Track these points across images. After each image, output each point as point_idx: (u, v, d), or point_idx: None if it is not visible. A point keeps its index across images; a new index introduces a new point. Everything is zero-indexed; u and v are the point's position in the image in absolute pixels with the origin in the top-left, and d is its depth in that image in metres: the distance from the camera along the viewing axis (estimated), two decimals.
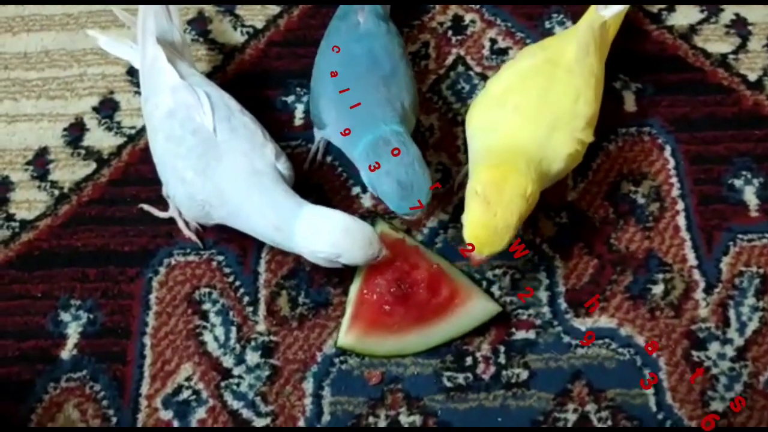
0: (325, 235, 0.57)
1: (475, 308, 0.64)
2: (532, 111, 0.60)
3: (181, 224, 0.69)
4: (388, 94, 0.62)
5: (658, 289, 0.67)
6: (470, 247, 0.57)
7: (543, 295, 0.67)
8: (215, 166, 0.60)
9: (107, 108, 0.76)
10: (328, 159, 0.73)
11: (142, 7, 0.67)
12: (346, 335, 0.64)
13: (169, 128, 0.61)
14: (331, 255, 0.58)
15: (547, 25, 0.78)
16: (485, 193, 0.56)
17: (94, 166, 0.74)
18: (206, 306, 0.67)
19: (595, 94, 0.62)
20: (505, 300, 0.66)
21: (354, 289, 0.65)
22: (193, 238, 0.68)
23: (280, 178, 0.61)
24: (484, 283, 0.67)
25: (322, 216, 0.58)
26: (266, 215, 0.59)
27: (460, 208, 0.70)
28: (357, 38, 0.64)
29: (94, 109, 0.76)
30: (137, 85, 0.76)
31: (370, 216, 0.70)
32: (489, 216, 0.56)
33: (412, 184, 0.58)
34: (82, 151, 0.74)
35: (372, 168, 0.59)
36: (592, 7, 0.68)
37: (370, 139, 0.59)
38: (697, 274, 0.67)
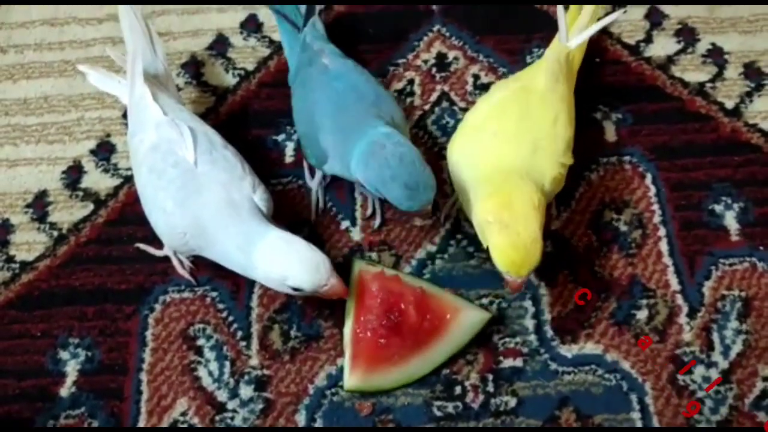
0: (279, 256, 0.59)
1: (467, 319, 0.66)
2: (512, 135, 0.62)
3: (175, 262, 0.71)
4: (379, 112, 0.64)
5: (642, 315, 0.68)
6: (509, 277, 0.58)
7: (529, 323, 0.68)
8: (195, 197, 0.62)
9: (104, 150, 0.79)
10: (318, 194, 0.75)
11: (130, 47, 0.69)
12: (351, 377, 0.65)
13: (152, 161, 0.63)
14: (279, 276, 0.59)
15: (528, 60, 0.81)
16: (499, 218, 0.56)
17: (91, 207, 0.76)
18: (201, 341, 0.69)
19: (569, 119, 0.64)
20: (493, 329, 0.68)
21: (347, 331, 0.66)
22: (187, 275, 0.70)
23: (257, 210, 0.63)
24: None
25: (283, 240, 0.60)
26: (236, 241, 0.61)
27: (447, 239, 0.72)
28: (334, 77, 0.67)
29: (92, 151, 0.79)
30: None
31: (358, 250, 0.72)
32: (513, 237, 0.56)
33: (418, 183, 0.59)
34: (80, 193, 0.77)
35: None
36: (556, 40, 0.70)
37: (363, 147, 0.60)
38: (680, 299, 0.68)
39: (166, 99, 0.67)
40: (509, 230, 0.56)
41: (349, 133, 0.62)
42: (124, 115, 0.80)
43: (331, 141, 0.64)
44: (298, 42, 0.72)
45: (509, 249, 0.56)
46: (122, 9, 0.72)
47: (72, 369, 0.68)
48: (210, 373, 0.67)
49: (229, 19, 0.86)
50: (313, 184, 0.74)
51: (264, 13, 0.86)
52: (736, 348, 0.66)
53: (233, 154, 0.65)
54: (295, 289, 0.60)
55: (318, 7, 0.75)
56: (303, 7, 0.73)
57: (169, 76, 0.72)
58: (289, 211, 0.74)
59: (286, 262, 0.59)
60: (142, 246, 0.72)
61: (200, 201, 0.61)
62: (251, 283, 0.70)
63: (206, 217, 0.61)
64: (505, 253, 0.57)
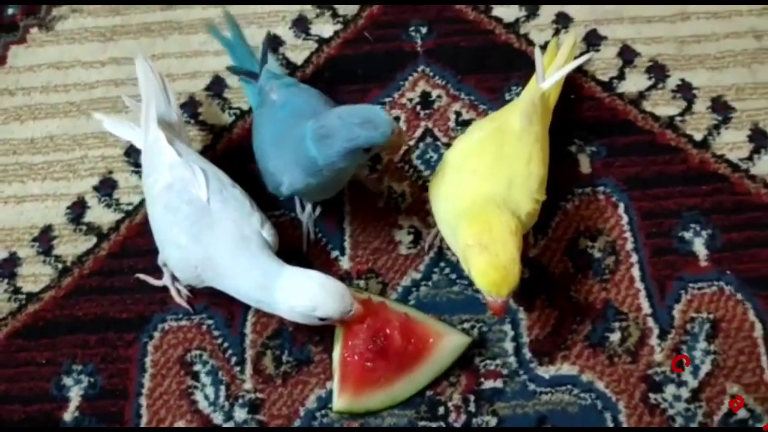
0: (303, 290, 0.63)
1: (450, 343, 0.69)
2: (489, 171, 0.66)
3: (173, 292, 0.75)
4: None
5: (615, 337, 0.72)
6: (490, 299, 0.61)
7: (509, 345, 0.72)
8: (207, 233, 0.66)
9: (107, 187, 0.83)
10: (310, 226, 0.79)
11: (145, 96, 0.74)
12: (339, 399, 0.68)
13: (166, 199, 0.67)
14: (307, 308, 0.63)
15: (507, 97, 0.85)
16: (478, 241, 0.60)
17: (94, 240, 0.80)
18: (197, 367, 0.72)
19: (542, 158, 0.69)
20: (474, 352, 0.71)
21: (336, 355, 0.70)
22: (184, 304, 0.74)
23: (265, 243, 0.67)
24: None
25: (302, 275, 0.65)
26: (253, 276, 0.64)
27: (431, 267, 0.76)
28: (279, 108, 0.71)
29: (95, 188, 0.83)
30: (134, 165, 0.84)
31: (347, 278, 0.76)
32: (492, 258, 0.59)
33: (369, 114, 0.62)
34: (84, 227, 0.81)
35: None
36: (532, 80, 0.75)
37: (309, 138, 0.63)
38: (651, 322, 0.72)
39: (179, 144, 0.72)
40: (489, 252, 0.60)
41: (293, 146, 0.65)
42: (126, 153, 0.85)
43: (280, 163, 0.67)
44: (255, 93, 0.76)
45: (489, 269, 0.60)
46: (138, 61, 0.77)
47: (75, 394, 0.72)
48: (206, 397, 0.71)
49: (226, 61, 0.89)
50: (304, 217, 0.78)
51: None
52: (705, 368, 0.70)
53: (241, 192, 0.70)
54: (322, 319, 0.64)
55: (271, 58, 0.79)
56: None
57: (181, 124, 0.76)
58: (281, 242, 0.77)
59: (312, 296, 0.63)
60: (141, 276, 0.76)
61: (213, 236, 0.65)
62: (245, 311, 0.74)
63: (219, 252, 0.65)
64: (486, 274, 0.60)
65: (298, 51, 0.91)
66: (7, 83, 0.91)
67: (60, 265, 0.79)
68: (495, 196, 0.64)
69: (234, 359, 0.72)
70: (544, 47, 0.85)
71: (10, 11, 0.97)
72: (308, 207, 0.78)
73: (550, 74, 0.74)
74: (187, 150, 0.72)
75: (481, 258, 0.60)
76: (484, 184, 0.65)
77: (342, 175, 0.68)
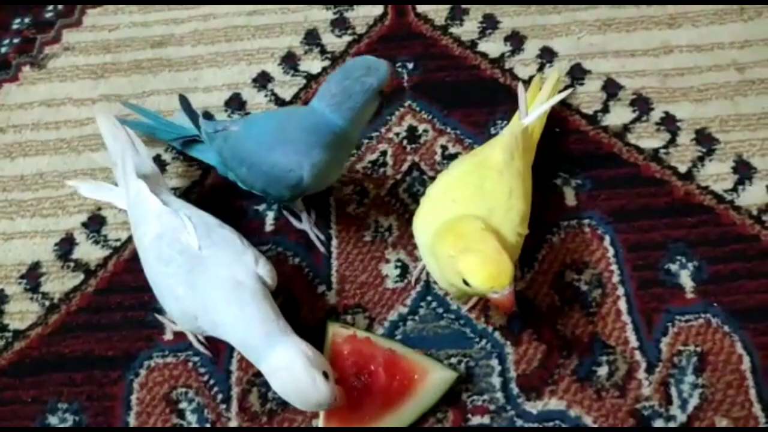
0: (281, 380, 0.61)
1: (435, 379, 0.69)
2: (468, 200, 0.66)
3: (191, 337, 0.74)
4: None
5: (602, 371, 0.71)
6: (495, 296, 0.59)
7: (496, 381, 0.71)
8: (200, 278, 0.65)
9: (95, 223, 0.83)
10: (297, 261, 0.79)
11: (117, 152, 0.75)
12: None
13: (158, 250, 0.67)
14: (277, 392, 0.62)
15: (492, 131, 0.86)
16: (458, 248, 0.60)
17: (82, 277, 0.80)
18: (183, 405, 0.72)
19: (524, 192, 0.69)
20: (461, 387, 0.71)
21: None
22: (202, 349, 0.74)
23: (261, 288, 0.65)
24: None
25: (289, 363, 0.61)
26: (240, 332, 0.63)
27: (417, 301, 0.76)
28: (251, 124, 0.74)
29: (83, 224, 0.83)
30: None
31: (334, 312, 0.76)
32: (479, 255, 0.59)
33: (366, 64, 0.66)
34: (72, 264, 0.81)
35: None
36: (515, 117, 0.76)
37: (324, 109, 0.67)
38: (638, 355, 0.72)
39: (160, 192, 0.71)
40: (472, 251, 0.59)
41: (303, 130, 0.68)
42: None
43: (294, 156, 0.68)
44: (207, 145, 0.78)
45: (480, 266, 0.59)
46: (100, 118, 0.78)
47: None
48: None
49: (215, 98, 0.92)
50: (305, 225, 0.79)
51: (247, 91, 0.92)
52: (693, 401, 0.70)
53: (230, 231, 0.69)
54: None
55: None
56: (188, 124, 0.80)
57: (157, 173, 0.76)
58: None
59: (287, 391, 0.61)
60: (160, 318, 0.75)
61: (205, 280, 0.64)
62: (231, 348, 0.74)
63: (212, 298, 0.64)
64: (479, 270, 0.59)
65: (287, 87, 0.92)
66: None
67: (47, 302, 0.79)
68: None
69: (220, 396, 0.72)
70: (528, 82, 0.86)
71: (3, 50, 0.98)
72: (304, 214, 0.80)
73: (534, 109, 0.75)
74: (170, 198, 0.72)
75: (467, 260, 0.59)
76: (463, 210, 0.65)
77: (358, 133, 0.71)
